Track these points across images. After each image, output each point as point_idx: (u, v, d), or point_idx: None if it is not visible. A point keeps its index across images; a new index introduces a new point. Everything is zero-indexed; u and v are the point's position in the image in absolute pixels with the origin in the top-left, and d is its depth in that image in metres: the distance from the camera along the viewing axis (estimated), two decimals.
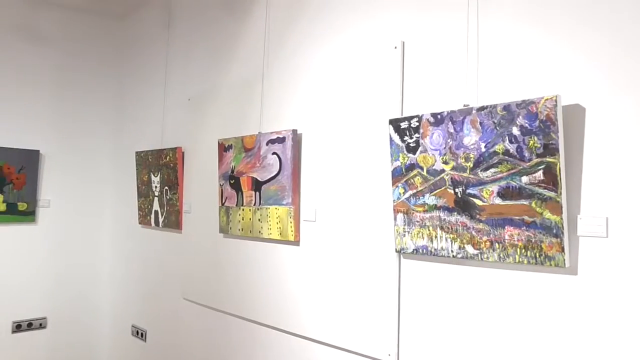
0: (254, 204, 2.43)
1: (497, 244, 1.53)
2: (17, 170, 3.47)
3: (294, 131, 2.25)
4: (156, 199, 3.27)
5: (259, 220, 2.40)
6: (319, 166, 2.19)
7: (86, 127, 3.88)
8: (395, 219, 1.81)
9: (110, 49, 4.01)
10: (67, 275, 3.76)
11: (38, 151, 3.57)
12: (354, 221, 2.02)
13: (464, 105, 1.62)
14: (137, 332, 3.55)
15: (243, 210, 2.50)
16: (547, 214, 1.42)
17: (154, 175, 3.28)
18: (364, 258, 1.97)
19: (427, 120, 1.70)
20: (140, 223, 3.48)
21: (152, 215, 3.32)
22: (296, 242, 2.27)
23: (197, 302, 2.92)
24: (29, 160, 3.52)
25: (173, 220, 3.11)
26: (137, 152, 3.45)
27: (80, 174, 3.85)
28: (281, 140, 2.28)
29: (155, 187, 3.26)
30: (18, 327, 3.53)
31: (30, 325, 3.58)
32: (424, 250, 1.73)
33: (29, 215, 3.55)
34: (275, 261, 2.39)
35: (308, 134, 2.25)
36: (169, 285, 3.21)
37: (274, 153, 2.32)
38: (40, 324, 3.63)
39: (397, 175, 1.79)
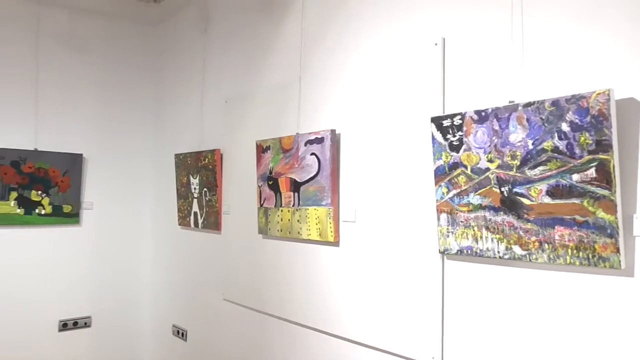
0: (293, 205, 2.43)
1: (546, 245, 1.48)
2: (61, 173, 3.58)
3: (333, 131, 2.23)
4: (195, 200, 3.31)
5: (298, 221, 2.40)
6: (359, 166, 2.17)
7: (127, 131, 3.97)
8: (438, 219, 1.77)
9: (149, 53, 4.09)
10: (111, 275, 3.86)
11: (81, 155, 3.68)
12: (395, 221, 1.99)
13: (509, 102, 1.58)
14: (178, 332, 3.61)
15: (282, 211, 2.50)
16: (601, 213, 1.36)
17: (193, 177, 3.32)
18: (405, 259, 1.94)
19: (471, 117, 1.66)
20: (180, 224, 3.53)
21: (192, 217, 3.36)
22: (336, 243, 2.26)
23: (237, 302, 2.94)
24: (73, 164, 3.63)
25: (212, 222, 3.14)
26: (176, 155, 3.51)
27: (122, 177, 3.94)
28: (319, 140, 2.27)
29: (195, 188, 3.31)
30: (64, 326, 3.64)
31: (75, 324, 3.68)
32: (469, 251, 1.69)
33: (74, 217, 3.65)
34: (314, 262, 2.38)
35: (347, 134, 2.23)
36: (209, 286, 3.25)
37: (312, 154, 2.31)
38: (85, 323, 3.73)
39: (440, 174, 1.75)
